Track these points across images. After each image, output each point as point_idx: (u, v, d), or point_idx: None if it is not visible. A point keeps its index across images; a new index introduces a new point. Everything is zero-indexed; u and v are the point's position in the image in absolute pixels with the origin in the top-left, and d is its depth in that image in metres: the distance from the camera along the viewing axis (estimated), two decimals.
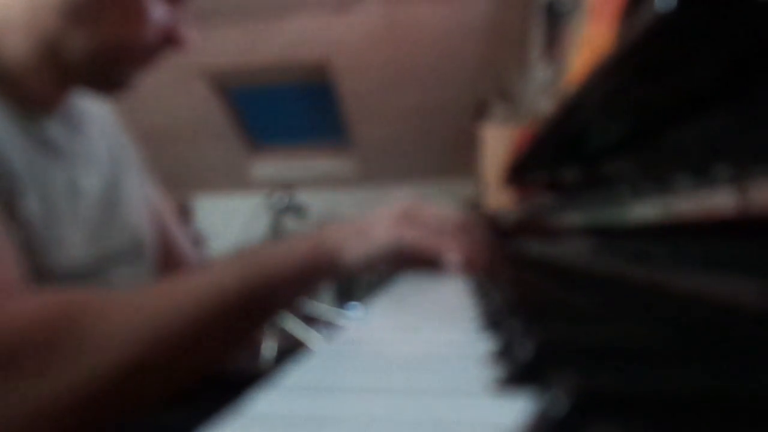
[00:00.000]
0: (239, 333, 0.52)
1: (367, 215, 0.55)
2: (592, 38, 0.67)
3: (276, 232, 3.19)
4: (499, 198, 1.89)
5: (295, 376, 0.24)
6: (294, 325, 2.11)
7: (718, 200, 0.35)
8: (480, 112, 2.59)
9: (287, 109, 3.54)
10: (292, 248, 0.52)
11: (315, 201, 3.45)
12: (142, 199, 0.72)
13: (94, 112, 0.69)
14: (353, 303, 2.36)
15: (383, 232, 0.53)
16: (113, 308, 0.46)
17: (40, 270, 0.53)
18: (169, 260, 0.76)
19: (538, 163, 0.91)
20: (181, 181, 3.72)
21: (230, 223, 3.60)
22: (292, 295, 0.53)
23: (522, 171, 1.07)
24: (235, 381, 0.54)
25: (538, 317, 0.32)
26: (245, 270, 0.50)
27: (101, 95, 0.62)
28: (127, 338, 0.44)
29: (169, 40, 0.59)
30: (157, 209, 0.75)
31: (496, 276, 0.57)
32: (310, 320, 2.23)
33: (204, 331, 0.48)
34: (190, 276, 0.51)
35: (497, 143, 2.12)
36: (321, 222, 0.55)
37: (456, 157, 3.33)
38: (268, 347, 1.93)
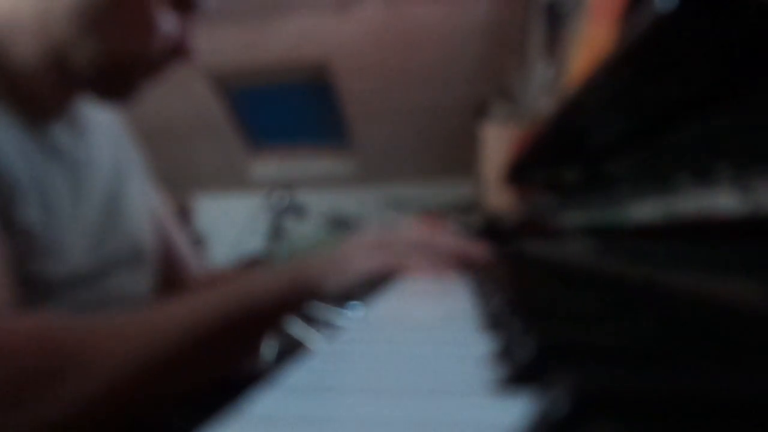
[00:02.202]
0: (221, 357, 0.56)
1: (343, 247, 0.63)
2: (592, 38, 0.67)
3: (276, 232, 3.19)
4: (499, 198, 1.89)
5: (295, 376, 0.24)
6: (294, 325, 2.11)
7: (718, 200, 0.35)
8: (480, 112, 2.59)
9: (287, 110, 3.54)
10: (272, 280, 0.57)
11: (315, 201, 3.45)
12: (145, 206, 0.72)
13: (100, 119, 0.69)
14: (353, 303, 2.36)
15: (359, 263, 0.61)
16: (98, 338, 0.47)
17: (40, 276, 0.53)
18: (170, 266, 0.76)
19: (538, 163, 0.91)
20: (181, 181, 3.72)
21: (230, 223, 3.60)
22: (270, 323, 0.58)
23: (522, 171, 1.06)
24: (235, 381, 0.54)
25: (539, 317, 0.32)
26: (226, 302, 0.53)
27: (107, 104, 0.62)
28: (110, 367, 0.46)
29: (177, 51, 0.59)
30: (158, 215, 0.75)
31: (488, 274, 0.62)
32: (310, 320, 2.23)
33: (187, 357, 0.50)
34: (174, 305, 0.53)
35: (497, 143, 2.12)
36: (302, 256, 0.64)
37: (456, 157, 3.32)
38: (268, 347, 1.94)
